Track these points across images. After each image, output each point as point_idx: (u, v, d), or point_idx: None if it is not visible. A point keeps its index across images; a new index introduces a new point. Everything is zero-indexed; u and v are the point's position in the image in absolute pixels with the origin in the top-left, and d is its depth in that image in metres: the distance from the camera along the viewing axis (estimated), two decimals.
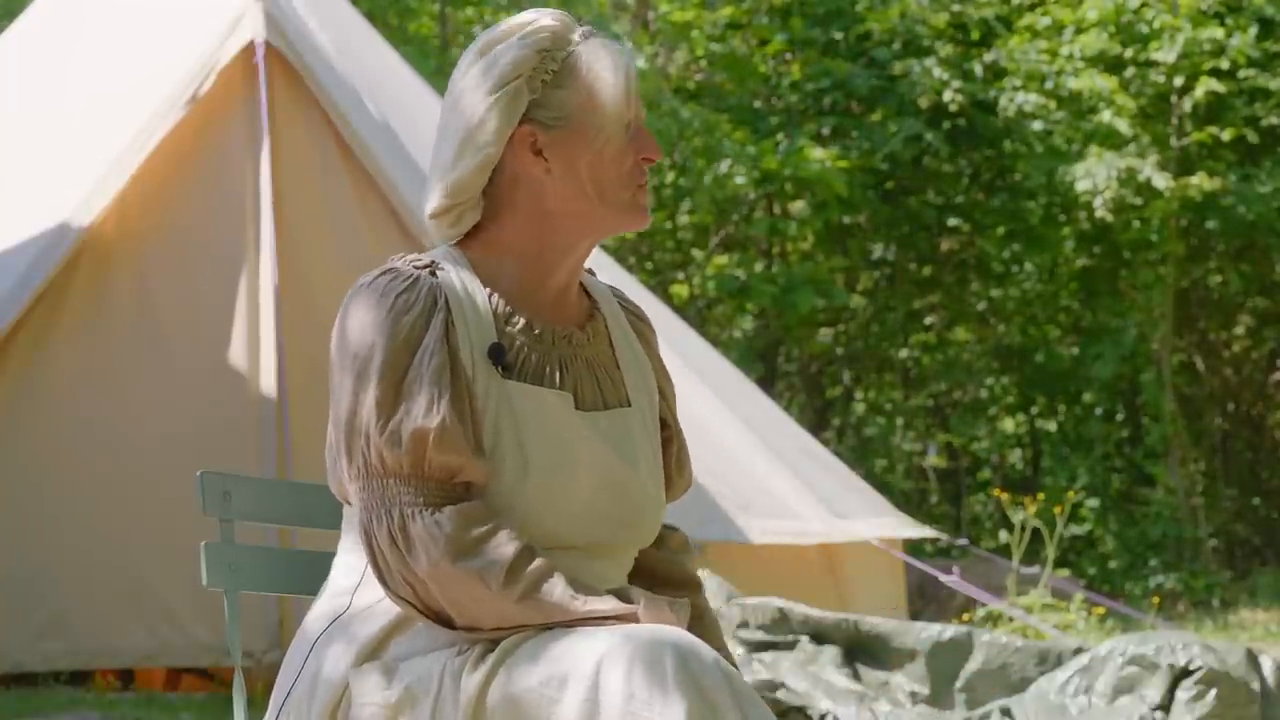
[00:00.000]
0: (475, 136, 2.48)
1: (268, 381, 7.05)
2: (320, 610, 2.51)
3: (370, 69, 8.37)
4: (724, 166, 14.44)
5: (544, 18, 2.51)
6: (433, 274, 2.47)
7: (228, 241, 7.36)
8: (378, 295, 2.44)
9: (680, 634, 2.27)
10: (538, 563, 2.36)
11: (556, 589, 2.35)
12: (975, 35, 16.53)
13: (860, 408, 18.43)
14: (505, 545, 2.35)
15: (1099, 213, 15.25)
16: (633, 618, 2.36)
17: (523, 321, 2.50)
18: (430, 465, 2.37)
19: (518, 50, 2.48)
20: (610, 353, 2.58)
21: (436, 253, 2.53)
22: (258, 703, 6.15)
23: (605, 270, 9.87)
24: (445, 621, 2.38)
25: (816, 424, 17.52)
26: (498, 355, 2.45)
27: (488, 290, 2.50)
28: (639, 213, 2.52)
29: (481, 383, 2.44)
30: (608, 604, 2.36)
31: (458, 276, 2.49)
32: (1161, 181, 14.99)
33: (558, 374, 2.50)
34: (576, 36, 2.51)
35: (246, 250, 7.29)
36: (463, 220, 2.52)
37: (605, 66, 2.49)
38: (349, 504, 2.51)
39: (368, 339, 2.41)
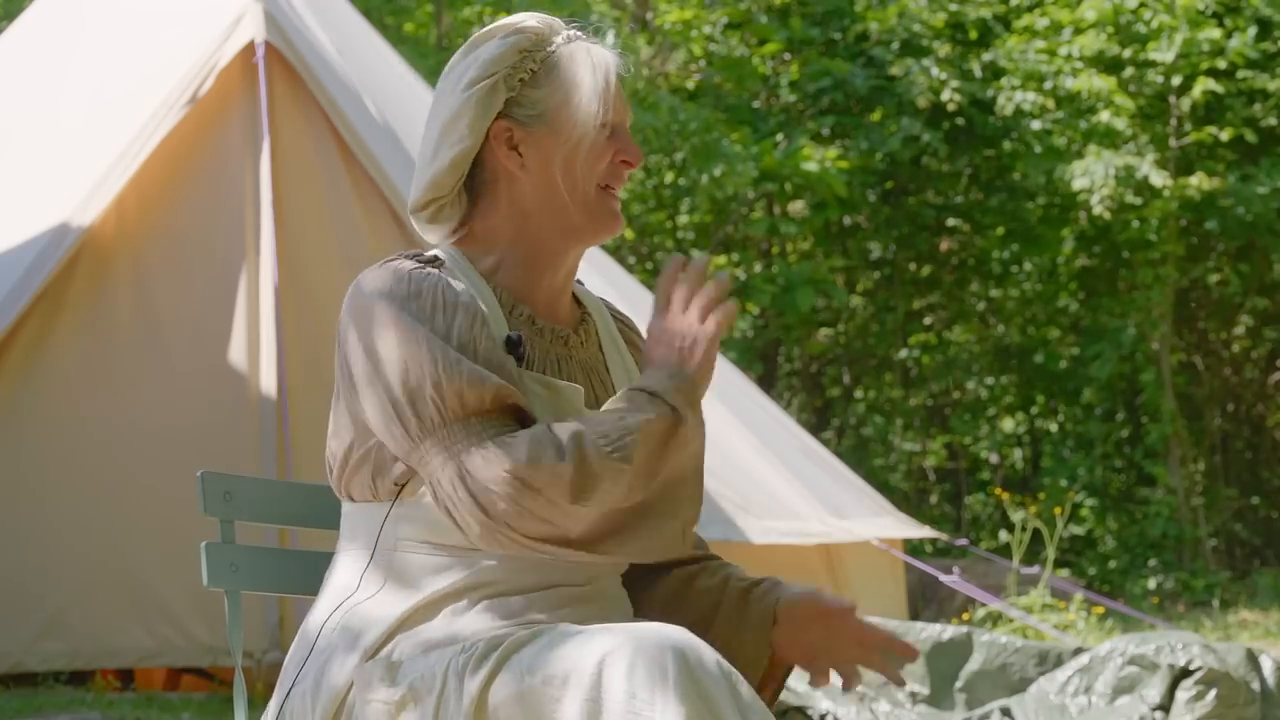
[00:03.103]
0: (451, 130, 2.54)
1: (268, 381, 7.05)
2: (322, 610, 2.51)
3: (370, 69, 8.37)
4: (720, 168, 14.42)
5: (530, 20, 2.56)
6: (437, 268, 2.50)
7: (228, 241, 7.36)
8: (394, 275, 2.45)
9: (682, 635, 2.28)
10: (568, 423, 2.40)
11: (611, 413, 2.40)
12: (973, 35, 16.53)
13: (860, 407, 18.43)
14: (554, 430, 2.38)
15: (1096, 210, 15.25)
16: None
17: (526, 314, 2.53)
18: (508, 400, 2.38)
19: (497, 48, 2.53)
20: (600, 358, 2.62)
21: (434, 251, 2.55)
22: (257, 703, 6.16)
23: (605, 270, 9.89)
24: (569, 543, 2.36)
25: (816, 424, 17.53)
26: (514, 345, 2.47)
27: (491, 284, 2.52)
28: (609, 217, 2.55)
29: None
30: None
31: (460, 271, 2.51)
32: (1159, 179, 14.99)
33: (559, 370, 2.53)
34: (560, 39, 2.55)
35: (246, 250, 7.29)
36: (441, 215, 2.56)
37: (583, 67, 2.53)
38: (351, 500, 2.51)
39: (401, 308, 2.41)
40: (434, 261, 2.50)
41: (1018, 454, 18.83)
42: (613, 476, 2.34)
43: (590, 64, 2.54)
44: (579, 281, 2.67)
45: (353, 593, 2.48)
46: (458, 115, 2.53)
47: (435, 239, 2.60)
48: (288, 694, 2.47)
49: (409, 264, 2.48)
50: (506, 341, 2.46)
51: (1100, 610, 9.91)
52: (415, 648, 2.41)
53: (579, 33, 2.58)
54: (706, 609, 2.60)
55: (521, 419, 2.40)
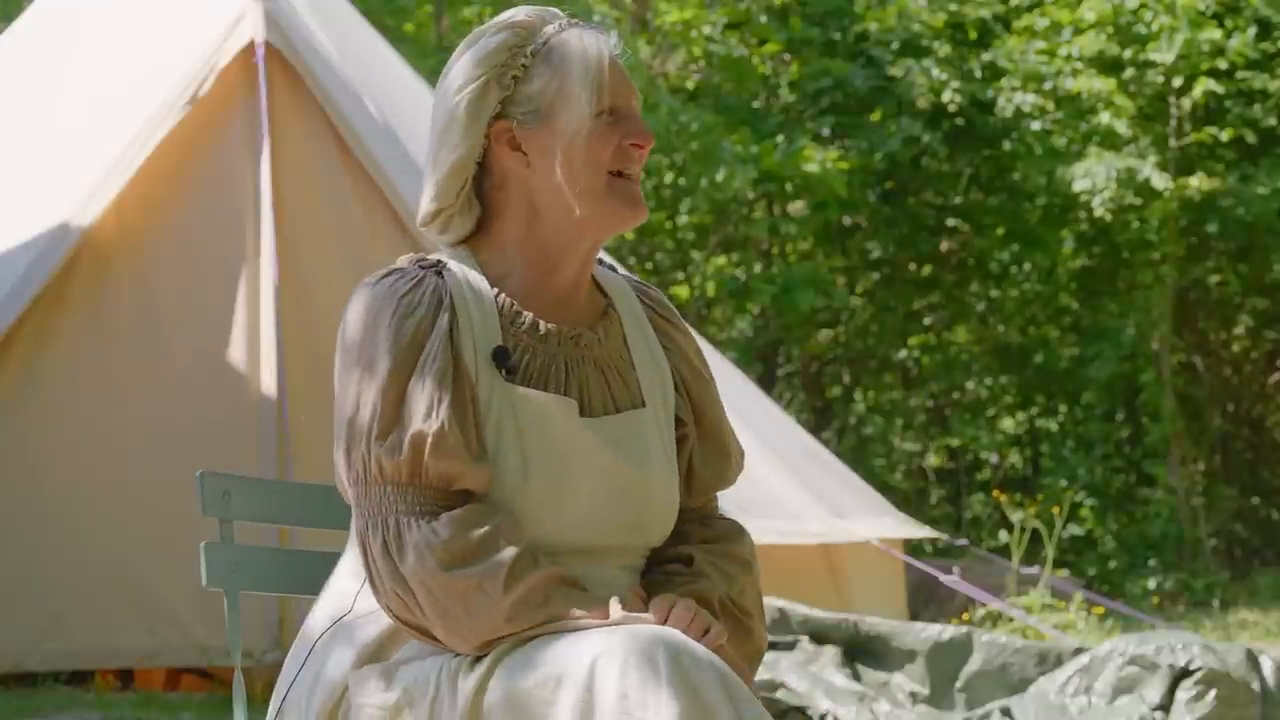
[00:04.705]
0: (446, 138, 2.46)
1: (268, 381, 7.05)
2: (322, 612, 2.50)
3: (370, 69, 8.37)
4: (721, 172, 14.41)
5: (520, 14, 2.48)
6: (438, 274, 2.44)
7: (228, 241, 7.36)
8: (383, 295, 2.41)
9: (674, 634, 2.26)
10: (539, 572, 2.33)
11: (555, 602, 2.33)
12: (973, 35, 16.53)
13: (860, 408, 18.43)
14: (504, 550, 2.33)
15: (1097, 212, 15.26)
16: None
17: (529, 321, 2.45)
18: (428, 473, 2.34)
19: (485, 47, 2.45)
20: (625, 352, 2.53)
21: (445, 252, 2.50)
22: (257, 703, 6.15)
23: None
24: (429, 636, 2.37)
25: (816, 424, 17.52)
26: (501, 358, 2.41)
27: (495, 289, 2.46)
28: (623, 203, 2.46)
29: (485, 385, 2.40)
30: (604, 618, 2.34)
31: (464, 275, 2.45)
32: (1160, 181, 14.99)
33: (564, 376, 2.46)
34: (551, 29, 2.46)
35: (246, 250, 7.29)
36: (451, 225, 2.49)
37: (574, 53, 2.44)
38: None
39: (372, 341, 2.38)
40: (436, 266, 2.45)
41: (1017, 454, 18.82)
42: (497, 617, 2.32)
43: (582, 50, 2.44)
44: (611, 267, 2.61)
45: (354, 595, 2.48)
46: (450, 121, 2.45)
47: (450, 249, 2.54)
48: (285, 694, 2.47)
49: (404, 277, 2.43)
50: (494, 354, 2.42)
51: (1100, 610, 9.90)
52: (410, 651, 2.40)
53: (572, 20, 2.49)
54: None
55: (450, 485, 2.36)
